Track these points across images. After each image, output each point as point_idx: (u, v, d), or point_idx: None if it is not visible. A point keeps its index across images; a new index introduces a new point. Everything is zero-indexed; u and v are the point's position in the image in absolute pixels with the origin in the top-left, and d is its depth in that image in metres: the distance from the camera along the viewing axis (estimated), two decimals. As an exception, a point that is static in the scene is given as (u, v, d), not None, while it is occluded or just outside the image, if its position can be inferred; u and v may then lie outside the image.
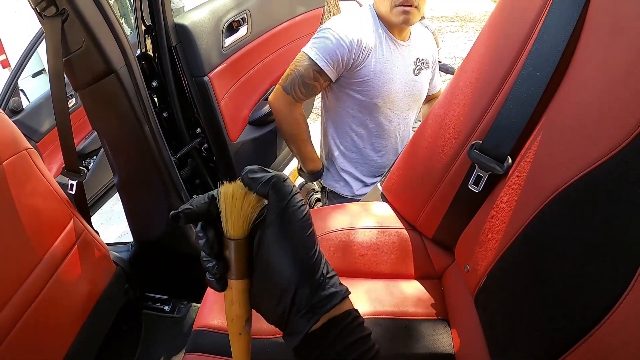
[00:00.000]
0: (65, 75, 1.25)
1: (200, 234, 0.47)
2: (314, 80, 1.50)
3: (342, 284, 0.48)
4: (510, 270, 0.77)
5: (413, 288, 1.05)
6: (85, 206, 1.47)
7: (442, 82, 1.93)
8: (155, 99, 1.58)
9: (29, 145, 1.19)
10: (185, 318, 1.71)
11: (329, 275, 0.47)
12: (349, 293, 0.48)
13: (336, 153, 1.75)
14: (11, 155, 1.10)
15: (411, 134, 1.72)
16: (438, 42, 3.19)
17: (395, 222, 1.14)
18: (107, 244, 1.71)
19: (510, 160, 0.82)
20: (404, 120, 1.70)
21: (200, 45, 1.55)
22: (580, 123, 0.68)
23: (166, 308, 1.73)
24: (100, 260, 1.45)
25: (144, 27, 1.49)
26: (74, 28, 1.16)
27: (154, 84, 1.55)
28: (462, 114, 0.93)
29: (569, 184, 0.65)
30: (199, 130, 1.72)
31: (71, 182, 1.41)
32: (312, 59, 1.47)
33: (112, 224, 3.22)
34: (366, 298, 1.02)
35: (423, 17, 3.32)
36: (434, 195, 1.00)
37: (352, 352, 0.45)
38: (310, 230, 0.46)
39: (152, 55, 1.54)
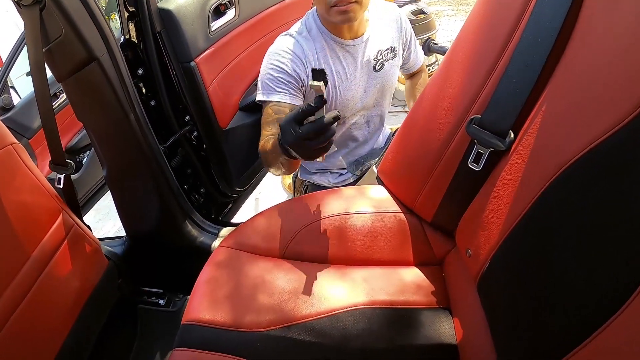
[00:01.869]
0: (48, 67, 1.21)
1: None
2: (275, 114, 1.31)
3: None
4: (514, 254, 0.72)
5: (412, 275, 1.01)
6: (75, 200, 1.44)
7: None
8: (142, 87, 1.53)
9: (15, 140, 1.16)
10: (180, 311, 1.67)
11: None
12: None
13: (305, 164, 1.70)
14: (-4, 150, 1.08)
15: (387, 118, 1.67)
16: (435, 25, 3.13)
17: (392, 206, 1.09)
18: (100, 239, 1.69)
19: (512, 136, 0.77)
20: (372, 114, 1.59)
21: (186, 29, 1.49)
22: (586, 93, 0.63)
23: (161, 302, 1.70)
24: (92, 255, 1.42)
25: (127, 14, 1.44)
26: (52, 16, 1.12)
27: (140, 71, 1.50)
28: (459, 87, 0.87)
29: (575, 159, 0.60)
30: (187, 117, 1.68)
31: (59, 175, 1.37)
32: (264, 101, 1.33)
33: (109, 219, 3.20)
34: (363, 287, 0.97)
35: (419, 0, 3.26)
36: (432, 175, 0.95)
37: None
38: None
39: (136, 42, 1.49)
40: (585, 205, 0.58)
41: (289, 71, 1.31)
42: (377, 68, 1.46)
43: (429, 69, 3.16)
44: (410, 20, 2.92)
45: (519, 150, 0.74)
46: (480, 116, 0.80)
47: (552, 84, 0.72)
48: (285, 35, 1.39)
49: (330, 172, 1.70)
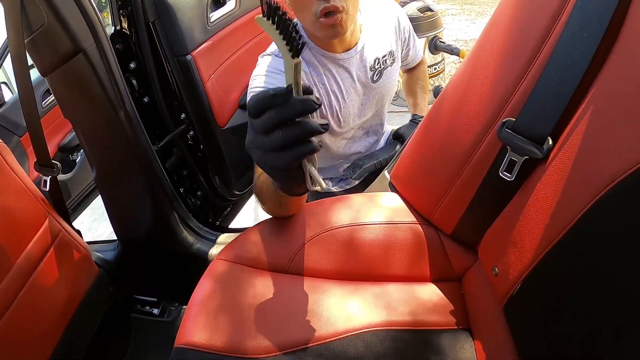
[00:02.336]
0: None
1: None
2: None
3: None
4: (553, 277, 0.64)
5: (429, 292, 0.92)
6: (63, 204, 1.39)
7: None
8: (134, 82, 1.46)
9: None
10: (175, 321, 1.62)
11: None
12: None
13: None
14: (-25, 150, 1.03)
15: (392, 118, 1.57)
16: (441, 23, 3.05)
17: (408, 216, 1.00)
18: (91, 242, 1.63)
19: (550, 142, 0.68)
20: (372, 124, 1.47)
21: (182, 20, 1.42)
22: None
23: (155, 311, 1.64)
24: (80, 263, 1.37)
25: (118, 2, 1.36)
26: (34, 2, 1.06)
27: (132, 65, 1.43)
28: (488, 86, 0.78)
29: (633, 170, 0.52)
30: (183, 115, 1.61)
31: (44, 178, 1.32)
32: None
33: (105, 219, 3.11)
34: (376, 305, 0.88)
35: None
36: (455, 184, 0.86)
37: None
38: None
39: (128, 33, 1.41)
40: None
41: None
42: (375, 79, 1.33)
43: (435, 68, 3.08)
44: (416, 18, 2.86)
45: (560, 158, 0.65)
46: (514, 119, 0.71)
47: (600, 82, 0.62)
48: (269, 54, 1.23)
49: (331, 178, 1.60)
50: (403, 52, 1.44)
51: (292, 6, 1.13)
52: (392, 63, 1.36)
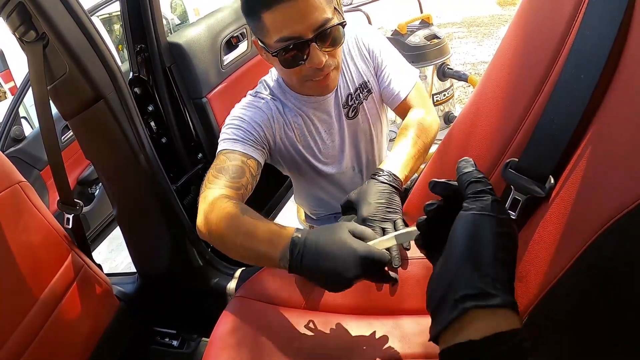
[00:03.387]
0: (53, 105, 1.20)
1: None
2: (229, 161, 1.11)
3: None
4: (557, 312, 0.66)
5: (442, 323, 0.94)
6: (85, 240, 1.42)
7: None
8: (153, 125, 1.50)
9: (22, 178, 1.16)
10: (194, 353, 1.62)
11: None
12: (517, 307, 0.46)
13: (308, 212, 1.60)
14: (2, 189, 1.08)
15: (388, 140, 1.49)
16: (449, 49, 3.08)
17: (419, 251, 1.02)
18: (111, 274, 1.65)
19: (552, 180, 0.70)
20: (362, 161, 1.41)
21: (197, 64, 1.46)
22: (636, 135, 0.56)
23: (175, 343, 1.65)
24: (102, 297, 1.40)
25: (135, 49, 1.41)
26: (56, 53, 1.10)
27: (150, 108, 1.47)
28: (491, 127, 0.80)
29: (630, 208, 0.53)
30: (200, 155, 1.64)
31: (67, 215, 1.35)
32: (219, 151, 1.15)
33: (123, 249, 3.17)
34: (394, 338, 0.90)
35: (432, 24, 3.21)
36: (463, 220, 0.88)
37: None
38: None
39: (145, 77, 1.46)
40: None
41: (249, 120, 1.17)
42: (350, 115, 1.29)
43: (444, 94, 3.08)
44: (423, 46, 2.89)
45: (561, 196, 0.67)
46: (517, 160, 0.74)
47: (598, 122, 0.64)
48: (249, 94, 1.27)
49: (335, 217, 1.55)
50: (380, 77, 1.29)
51: (279, 65, 1.08)
52: (367, 95, 1.29)
